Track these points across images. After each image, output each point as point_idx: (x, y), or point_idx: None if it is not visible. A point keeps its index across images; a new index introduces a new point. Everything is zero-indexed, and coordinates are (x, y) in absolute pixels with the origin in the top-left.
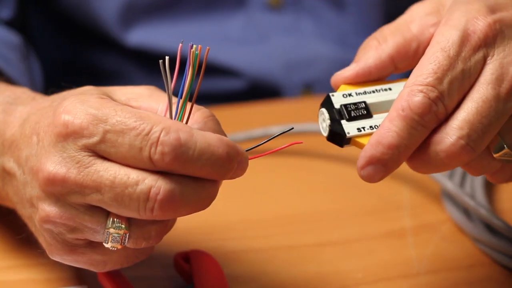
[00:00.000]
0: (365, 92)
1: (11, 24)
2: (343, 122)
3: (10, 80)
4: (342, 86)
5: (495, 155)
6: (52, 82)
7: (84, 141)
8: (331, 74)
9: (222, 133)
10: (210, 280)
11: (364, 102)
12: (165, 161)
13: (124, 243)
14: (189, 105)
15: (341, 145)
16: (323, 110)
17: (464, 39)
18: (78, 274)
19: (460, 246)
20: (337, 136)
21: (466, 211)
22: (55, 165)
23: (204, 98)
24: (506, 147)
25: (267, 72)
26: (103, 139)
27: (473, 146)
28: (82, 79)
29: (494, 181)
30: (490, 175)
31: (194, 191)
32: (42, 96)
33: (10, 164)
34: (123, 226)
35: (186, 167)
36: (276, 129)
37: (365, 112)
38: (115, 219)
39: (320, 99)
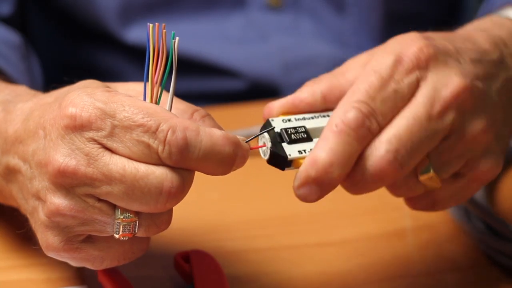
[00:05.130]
0: (304, 118)
1: (10, 21)
2: (284, 144)
3: (10, 80)
4: (281, 115)
5: (420, 177)
6: (52, 81)
7: (92, 134)
8: None
9: (220, 129)
10: (210, 280)
11: (304, 126)
12: (172, 160)
13: (134, 232)
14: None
15: (282, 168)
16: (265, 135)
17: (397, 62)
18: (78, 274)
19: (460, 246)
20: (278, 158)
21: (466, 211)
22: (65, 157)
23: (203, 98)
24: (432, 171)
25: (266, 72)
26: (111, 133)
27: (401, 161)
28: (81, 78)
29: (411, 206)
30: (409, 200)
31: (191, 181)
32: (42, 93)
33: (15, 161)
34: (132, 215)
35: (191, 165)
36: None
37: (305, 135)
38: (124, 209)
39: None
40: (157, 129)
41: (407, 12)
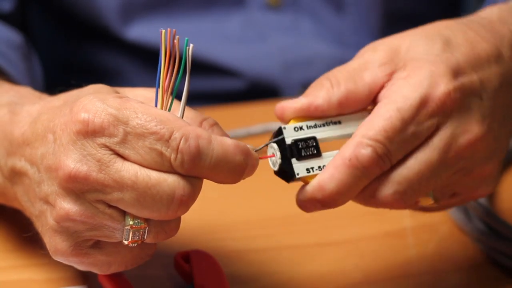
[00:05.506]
0: (315, 125)
1: (11, 17)
2: (293, 161)
3: (10, 80)
4: (293, 119)
5: (420, 204)
6: (51, 80)
7: (104, 140)
8: None
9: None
10: (210, 280)
11: (314, 138)
12: (184, 168)
13: (143, 239)
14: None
15: (288, 182)
16: (274, 146)
17: (422, 104)
18: (78, 274)
19: (460, 246)
20: (287, 174)
21: (466, 211)
22: (76, 162)
23: (202, 98)
24: (432, 199)
25: (265, 72)
26: (123, 140)
27: (406, 200)
28: (82, 77)
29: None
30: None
31: (200, 189)
32: (48, 96)
33: (21, 163)
34: (141, 222)
35: (202, 173)
36: (277, 125)
37: (315, 151)
38: (134, 216)
39: None
40: (170, 137)
41: (406, 11)
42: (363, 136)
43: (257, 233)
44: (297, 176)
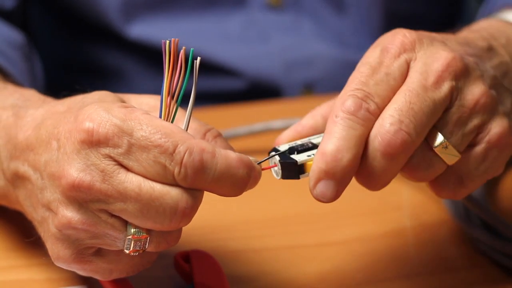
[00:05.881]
0: (309, 139)
1: (13, 15)
2: (293, 156)
3: (12, 79)
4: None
5: (435, 149)
6: (52, 79)
7: (108, 151)
8: (331, 73)
9: (231, 150)
10: (210, 280)
11: (310, 142)
12: (187, 182)
13: (144, 248)
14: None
15: (297, 177)
16: (276, 157)
17: (383, 51)
18: (78, 274)
19: (460, 246)
20: (289, 168)
21: (466, 211)
22: (79, 172)
23: (202, 98)
24: (444, 139)
25: (266, 72)
26: (128, 151)
27: (407, 131)
28: (82, 76)
29: (438, 191)
30: (436, 184)
31: (201, 200)
32: (53, 99)
33: (24, 168)
34: (143, 232)
35: (205, 186)
36: (278, 123)
37: (311, 145)
38: (136, 226)
39: (321, 99)
40: (174, 151)
41: (406, 12)
42: (342, 94)
43: (257, 233)
44: (298, 162)
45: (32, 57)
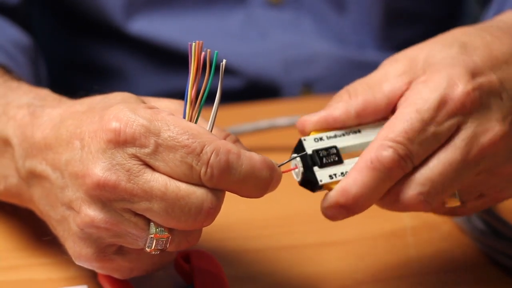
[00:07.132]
0: (335, 136)
1: (17, 11)
2: (316, 169)
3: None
4: (313, 132)
5: (447, 205)
6: (53, 77)
7: (135, 150)
8: (331, 72)
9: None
10: (210, 280)
11: (335, 147)
12: (213, 182)
13: (166, 247)
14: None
15: (313, 191)
16: (297, 158)
17: (441, 104)
18: (79, 274)
19: (460, 246)
20: (310, 183)
21: None
22: (104, 171)
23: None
24: (459, 201)
25: (266, 70)
26: (154, 152)
27: (431, 201)
28: (83, 74)
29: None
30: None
31: (223, 200)
32: (69, 99)
33: (42, 167)
34: (166, 231)
35: (229, 187)
36: (282, 121)
37: (336, 158)
38: (158, 225)
39: (321, 99)
40: (201, 151)
41: (407, 10)
42: (384, 139)
43: (257, 233)
44: (320, 183)
45: (37, 61)
